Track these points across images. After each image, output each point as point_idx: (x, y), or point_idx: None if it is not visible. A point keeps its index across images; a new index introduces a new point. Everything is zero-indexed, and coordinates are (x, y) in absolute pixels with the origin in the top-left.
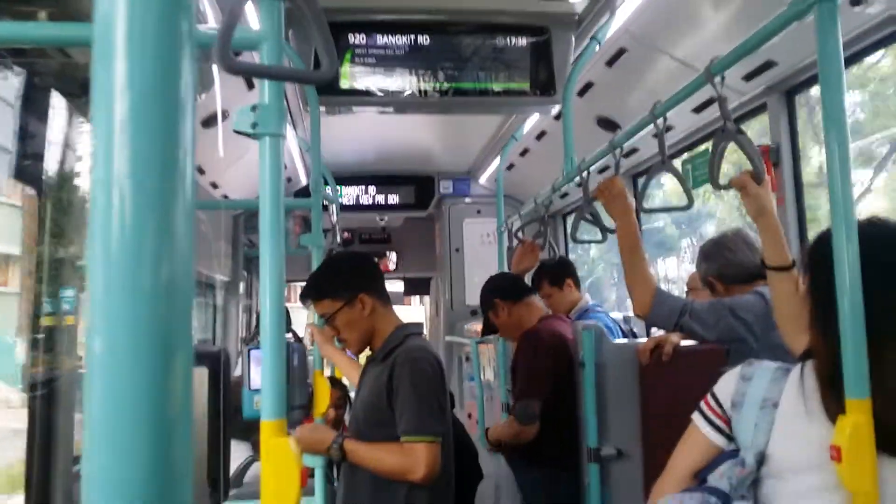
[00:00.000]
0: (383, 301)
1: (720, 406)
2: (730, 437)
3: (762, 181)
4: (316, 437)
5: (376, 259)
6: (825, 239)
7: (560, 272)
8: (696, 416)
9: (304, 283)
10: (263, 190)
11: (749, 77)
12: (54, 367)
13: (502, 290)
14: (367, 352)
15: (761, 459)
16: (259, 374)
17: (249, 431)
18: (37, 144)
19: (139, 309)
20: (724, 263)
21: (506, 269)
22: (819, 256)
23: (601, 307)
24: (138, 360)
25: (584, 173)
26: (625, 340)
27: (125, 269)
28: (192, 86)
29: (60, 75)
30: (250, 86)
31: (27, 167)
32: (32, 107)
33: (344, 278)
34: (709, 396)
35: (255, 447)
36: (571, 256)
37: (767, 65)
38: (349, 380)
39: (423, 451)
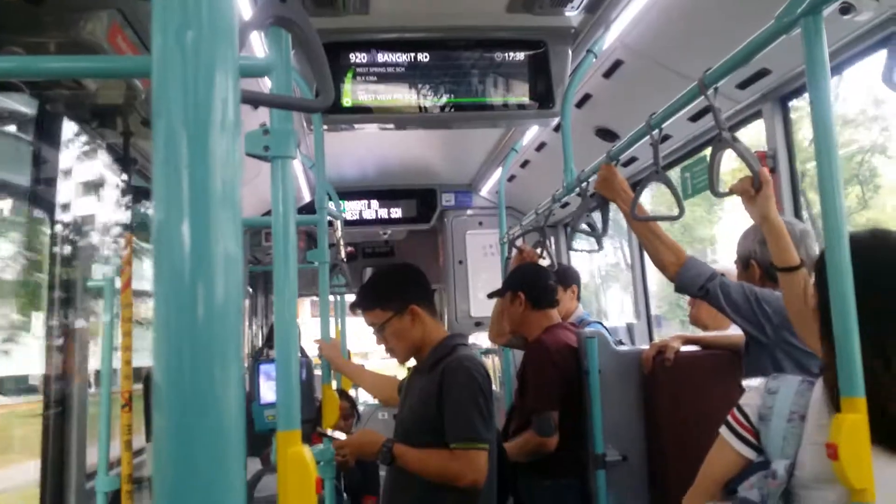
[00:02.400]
0: (431, 312)
1: (747, 419)
2: (758, 449)
3: (761, 187)
4: (366, 440)
5: None
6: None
7: (570, 276)
8: (724, 430)
9: (311, 298)
10: (276, 209)
11: (743, 85)
12: (68, 382)
13: (534, 291)
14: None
15: (791, 471)
16: (269, 389)
17: (257, 446)
18: (49, 170)
19: (198, 327)
20: None
21: None
22: (824, 272)
23: (592, 317)
24: (198, 374)
25: (584, 184)
26: (628, 347)
27: (186, 291)
28: (238, 115)
29: (72, 103)
30: (255, 105)
31: (40, 192)
32: (45, 134)
33: (395, 289)
34: (735, 410)
35: (265, 461)
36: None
37: (761, 73)
38: (364, 388)
39: (472, 457)
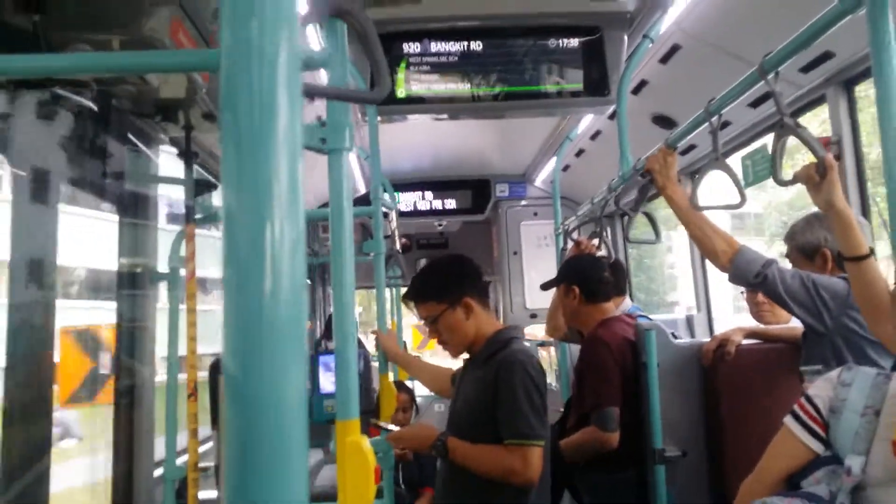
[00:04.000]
0: (484, 304)
1: (817, 411)
2: (826, 443)
3: (826, 173)
4: (421, 433)
5: None
6: None
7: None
8: (789, 421)
9: (367, 289)
10: (334, 200)
11: (806, 69)
12: (135, 374)
13: (588, 284)
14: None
15: (864, 468)
16: (328, 380)
17: (319, 437)
18: (116, 164)
19: (265, 316)
20: None
21: None
22: None
23: (641, 311)
24: (265, 364)
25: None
26: (688, 340)
27: (254, 280)
28: (300, 106)
29: (136, 98)
30: (313, 98)
31: (107, 186)
32: (110, 128)
33: (448, 281)
34: (804, 401)
35: (325, 452)
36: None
37: (825, 56)
38: (419, 380)
39: (527, 454)
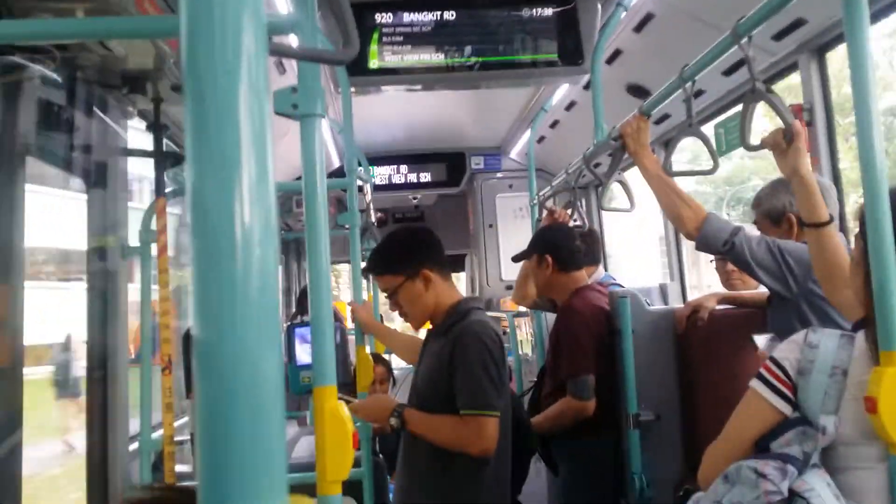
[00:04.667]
0: (444, 275)
1: (784, 373)
2: (794, 405)
3: (793, 140)
4: (378, 405)
5: None
6: None
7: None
8: (756, 384)
9: (342, 263)
10: (308, 170)
11: (779, 36)
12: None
13: (561, 253)
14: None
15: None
16: (304, 351)
17: (291, 408)
18: (82, 137)
19: (237, 288)
20: None
21: None
22: None
23: (614, 279)
24: (238, 335)
25: (616, 141)
26: (662, 307)
27: (223, 252)
28: (266, 71)
29: (102, 68)
30: (281, 70)
31: (74, 159)
32: (76, 100)
33: (405, 253)
34: (769, 363)
35: (300, 423)
36: (604, 226)
37: (797, 23)
38: (394, 352)
39: (482, 425)
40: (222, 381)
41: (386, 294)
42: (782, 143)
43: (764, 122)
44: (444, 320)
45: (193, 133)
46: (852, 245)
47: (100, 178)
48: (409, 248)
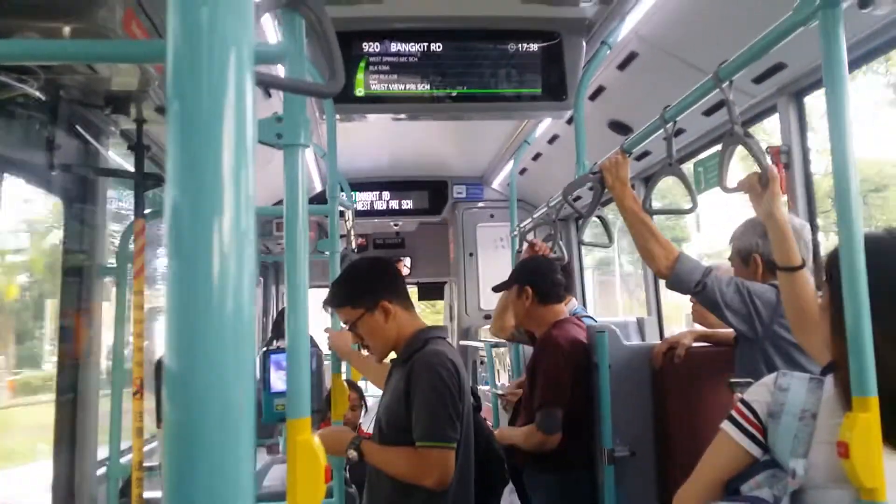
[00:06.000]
0: (405, 306)
1: (755, 415)
2: (764, 447)
3: (768, 184)
4: (336, 437)
5: None
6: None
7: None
8: (727, 426)
9: (321, 288)
10: (290, 198)
11: (759, 80)
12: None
13: (541, 285)
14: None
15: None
16: (279, 378)
17: (263, 436)
18: (63, 155)
19: (212, 314)
20: None
21: None
22: (838, 269)
23: (586, 312)
24: (210, 361)
25: (596, 175)
26: (639, 343)
27: (200, 277)
28: (253, 99)
29: (86, 89)
30: (266, 95)
31: (53, 177)
32: (57, 118)
33: (364, 286)
34: (741, 405)
35: (270, 450)
36: (584, 260)
37: (777, 67)
38: (369, 380)
39: (436, 457)
40: (192, 409)
41: (347, 326)
42: (757, 187)
43: (739, 164)
44: (403, 350)
45: (175, 158)
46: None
47: (78, 196)
48: (367, 280)
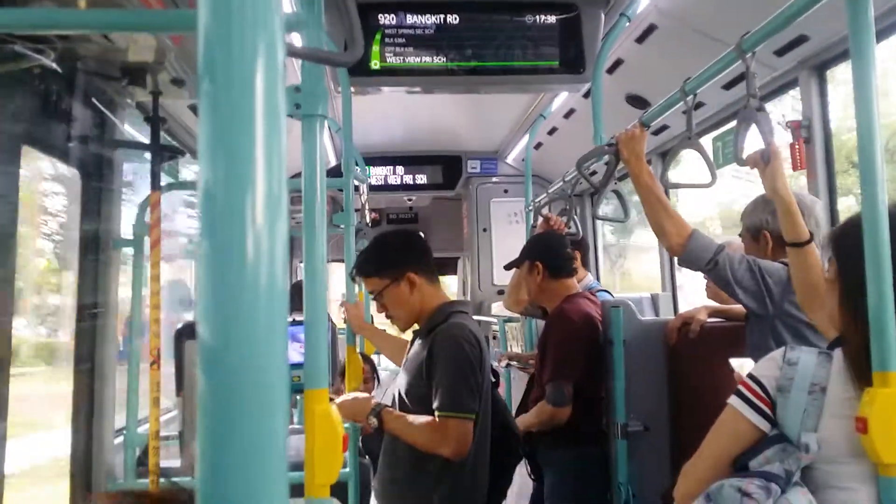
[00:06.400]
0: (430, 279)
1: (763, 390)
2: (772, 422)
3: (768, 161)
4: (357, 405)
5: None
6: (850, 226)
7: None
8: (735, 401)
9: (337, 263)
10: (309, 169)
11: (781, 52)
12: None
13: (552, 260)
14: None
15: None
16: (295, 350)
17: None
18: (79, 127)
19: (245, 285)
20: None
21: None
22: (846, 243)
23: (600, 286)
24: (245, 333)
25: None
26: (653, 318)
27: (233, 249)
28: (282, 68)
29: (102, 60)
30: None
31: (70, 150)
32: (74, 90)
33: (392, 256)
34: (749, 380)
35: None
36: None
37: (799, 39)
38: (383, 353)
39: (455, 427)
40: (227, 381)
41: (372, 296)
42: (761, 163)
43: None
44: (426, 323)
45: (207, 127)
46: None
47: (95, 168)
48: (395, 251)
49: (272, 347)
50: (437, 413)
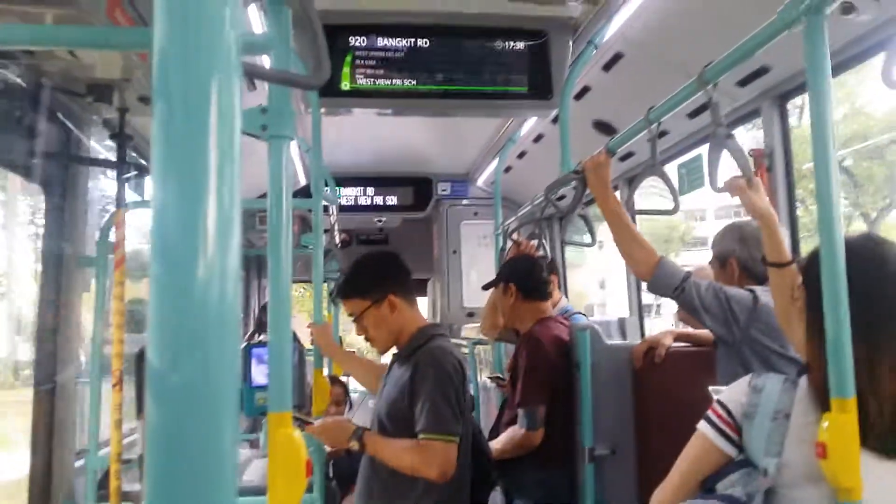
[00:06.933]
0: (410, 301)
1: (730, 415)
2: (739, 447)
3: (752, 184)
4: (338, 428)
5: None
6: (816, 256)
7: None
8: (703, 426)
9: (303, 282)
10: (274, 191)
11: (743, 83)
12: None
13: (524, 282)
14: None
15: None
16: (261, 372)
17: (246, 431)
18: (43, 143)
19: (195, 307)
20: (758, 257)
21: None
22: (812, 273)
23: (575, 310)
24: (194, 356)
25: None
26: (619, 342)
27: (184, 269)
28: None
29: (67, 75)
30: (251, 87)
31: (34, 166)
32: (38, 106)
33: (373, 278)
34: (717, 406)
35: (252, 445)
36: (567, 258)
37: (761, 70)
38: (353, 375)
39: (440, 450)
40: (175, 405)
41: (352, 318)
42: (745, 188)
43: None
44: (407, 345)
45: (161, 148)
46: None
47: (59, 185)
48: (377, 273)
49: (222, 370)
50: (421, 435)
